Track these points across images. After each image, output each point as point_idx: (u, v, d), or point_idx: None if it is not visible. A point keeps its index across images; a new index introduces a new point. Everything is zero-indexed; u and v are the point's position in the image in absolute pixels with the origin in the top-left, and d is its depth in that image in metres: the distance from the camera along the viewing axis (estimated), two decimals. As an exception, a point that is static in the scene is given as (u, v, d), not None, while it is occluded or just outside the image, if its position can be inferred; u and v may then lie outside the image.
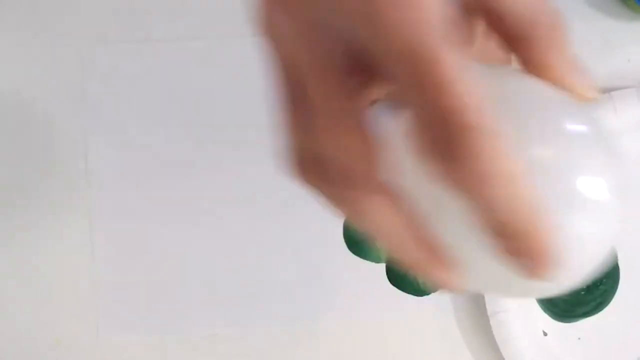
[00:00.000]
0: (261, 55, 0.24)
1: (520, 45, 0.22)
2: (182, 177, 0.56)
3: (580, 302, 0.56)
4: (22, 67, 0.57)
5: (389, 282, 0.56)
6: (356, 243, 0.56)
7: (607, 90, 0.56)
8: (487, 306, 0.54)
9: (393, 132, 0.21)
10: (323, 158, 0.22)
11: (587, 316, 0.56)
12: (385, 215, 0.22)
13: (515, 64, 0.23)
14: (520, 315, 0.54)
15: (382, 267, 0.56)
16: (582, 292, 0.56)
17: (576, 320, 0.56)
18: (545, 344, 0.56)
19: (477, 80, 0.18)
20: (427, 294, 0.56)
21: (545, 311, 0.56)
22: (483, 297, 0.54)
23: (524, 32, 0.21)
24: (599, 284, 0.56)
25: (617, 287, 0.56)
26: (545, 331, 0.56)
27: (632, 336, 0.56)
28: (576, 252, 0.21)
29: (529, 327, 0.55)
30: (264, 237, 0.56)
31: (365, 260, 0.56)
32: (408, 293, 0.56)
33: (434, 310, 0.56)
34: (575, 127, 0.22)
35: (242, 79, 0.58)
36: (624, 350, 0.56)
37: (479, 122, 0.18)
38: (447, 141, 0.18)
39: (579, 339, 0.56)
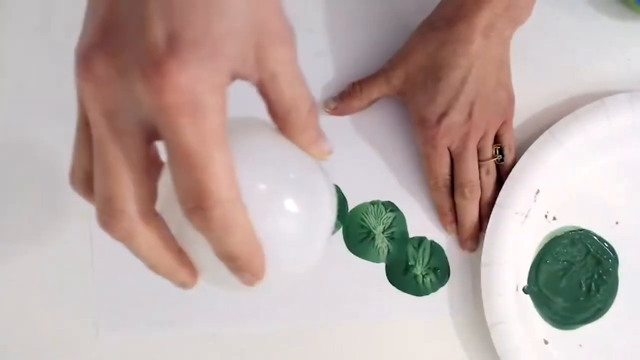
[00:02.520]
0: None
1: (283, 125, 0.30)
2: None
3: (579, 309, 0.56)
4: (21, 66, 0.58)
5: (389, 282, 0.56)
6: (356, 243, 0.56)
7: (606, 90, 0.56)
8: (487, 317, 0.54)
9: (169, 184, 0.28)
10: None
11: (587, 323, 0.56)
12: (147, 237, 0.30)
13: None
14: (520, 325, 0.54)
15: (382, 267, 0.56)
16: (582, 299, 0.55)
17: (576, 327, 0.56)
18: (547, 353, 0.55)
19: (232, 168, 0.27)
20: (427, 294, 0.56)
21: (545, 319, 0.56)
22: (483, 309, 0.54)
23: (285, 117, 0.29)
24: (597, 290, 0.55)
25: (616, 293, 0.56)
26: (546, 339, 0.56)
27: (633, 342, 0.56)
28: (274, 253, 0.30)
29: (530, 336, 0.55)
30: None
31: (365, 260, 0.56)
32: (408, 293, 0.56)
33: (434, 322, 0.56)
34: (292, 172, 0.31)
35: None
36: (626, 356, 0.56)
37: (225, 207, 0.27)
38: (200, 211, 0.27)
39: (580, 345, 0.56)
